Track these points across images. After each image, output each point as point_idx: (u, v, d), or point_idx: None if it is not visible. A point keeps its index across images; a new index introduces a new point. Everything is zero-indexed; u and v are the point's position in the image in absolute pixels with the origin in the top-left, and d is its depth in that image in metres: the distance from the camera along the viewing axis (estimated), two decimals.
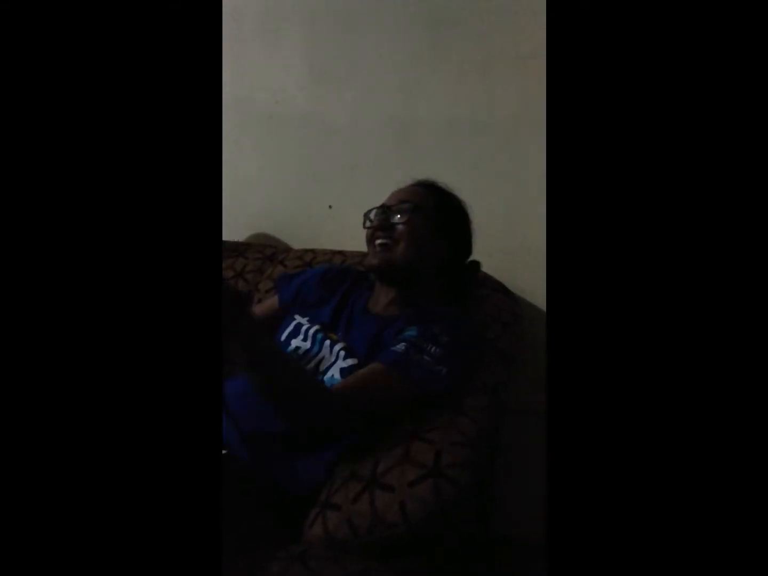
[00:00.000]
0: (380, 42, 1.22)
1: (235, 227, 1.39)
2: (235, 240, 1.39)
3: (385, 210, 0.94)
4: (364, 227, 0.96)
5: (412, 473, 0.70)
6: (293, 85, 1.31)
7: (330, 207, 1.33)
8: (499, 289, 1.11)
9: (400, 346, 0.81)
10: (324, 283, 1.02)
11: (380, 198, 1.26)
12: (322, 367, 0.87)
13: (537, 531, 0.71)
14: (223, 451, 0.80)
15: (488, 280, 1.12)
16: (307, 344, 0.92)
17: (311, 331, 0.93)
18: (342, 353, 0.87)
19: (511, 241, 1.19)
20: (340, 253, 1.23)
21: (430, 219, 0.93)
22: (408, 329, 0.85)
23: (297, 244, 1.33)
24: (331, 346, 0.89)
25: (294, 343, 0.93)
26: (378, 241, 0.92)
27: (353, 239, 1.25)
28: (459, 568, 0.83)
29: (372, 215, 0.97)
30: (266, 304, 1.09)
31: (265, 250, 1.32)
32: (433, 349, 0.82)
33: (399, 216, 0.92)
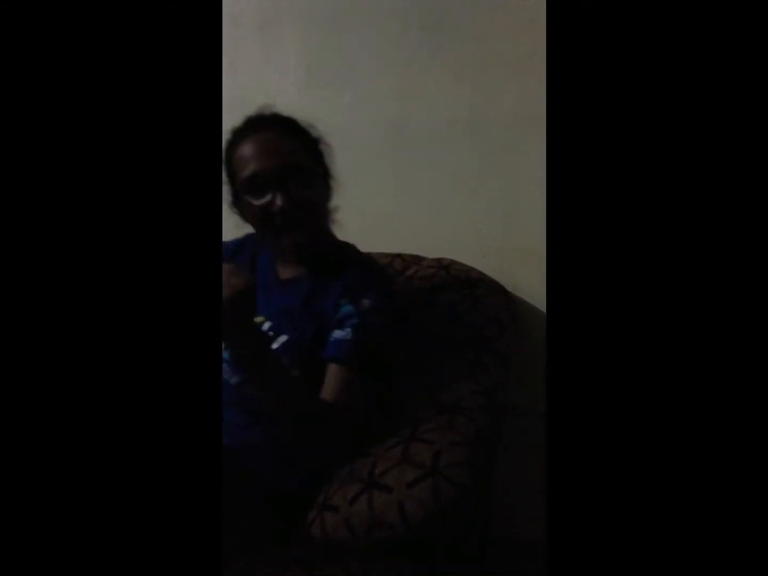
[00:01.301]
0: (377, 44, 1.22)
1: (233, 229, 1.39)
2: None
3: (273, 182, 0.82)
4: (257, 203, 0.83)
5: (411, 474, 0.70)
6: (290, 87, 1.31)
7: None
8: (497, 289, 1.11)
9: (347, 333, 0.81)
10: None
11: (378, 199, 1.27)
12: None
13: (537, 531, 0.71)
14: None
15: (486, 280, 1.12)
16: None
17: None
18: (270, 333, 0.85)
19: (510, 242, 1.18)
20: None
21: (316, 174, 0.88)
22: (343, 306, 0.83)
23: None
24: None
25: None
26: (293, 237, 0.84)
27: (351, 240, 1.25)
28: (458, 569, 0.82)
29: (258, 189, 0.83)
30: None
31: None
32: (377, 321, 0.82)
33: (295, 187, 0.83)
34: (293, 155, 0.85)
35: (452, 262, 1.14)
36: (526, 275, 1.17)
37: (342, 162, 1.31)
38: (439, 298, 1.07)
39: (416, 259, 1.18)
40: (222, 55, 0.50)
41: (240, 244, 1.01)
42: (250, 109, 1.35)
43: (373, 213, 1.28)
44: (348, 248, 0.96)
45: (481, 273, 1.13)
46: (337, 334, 0.82)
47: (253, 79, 1.33)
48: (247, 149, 0.85)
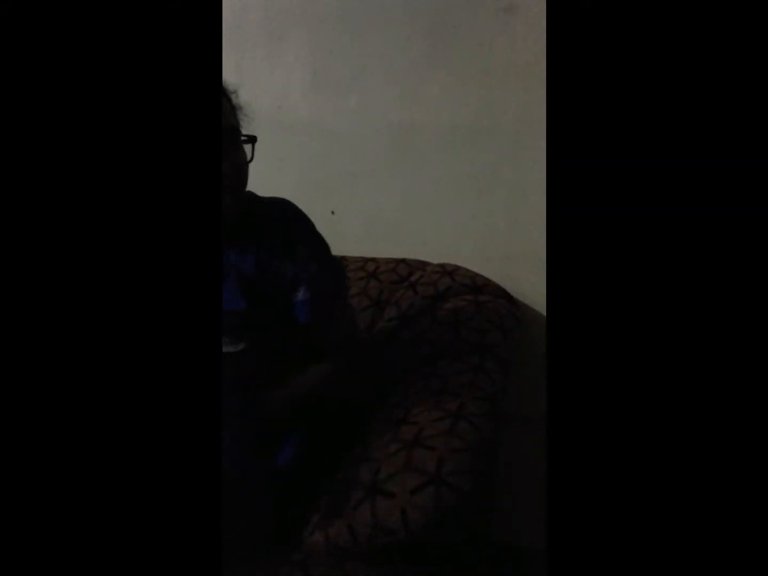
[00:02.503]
0: (382, 50, 1.23)
1: None
2: None
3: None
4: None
5: (414, 480, 0.70)
6: (296, 92, 1.32)
7: (333, 213, 1.33)
8: (501, 295, 1.11)
9: (304, 294, 0.83)
10: None
11: (382, 204, 1.27)
12: None
13: (537, 538, 0.71)
14: None
15: (490, 286, 1.12)
16: None
17: None
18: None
19: (513, 247, 1.19)
20: (342, 258, 1.23)
21: (243, 137, 0.85)
22: (282, 266, 0.83)
23: None
24: None
25: None
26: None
27: (355, 244, 1.25)
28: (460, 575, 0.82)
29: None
30: None
31: None
32: (318, 272, 0.85)
33: (226, 149, 0.80)
34: (225, 116, 0.83)
35: (456, 268, 1.14)
36: (530, 281, 1.17)
37: (346, 166, 1.32)
38: (443, 303, 1.07)
39: (421, 265, 1.18)
40: (222, 57, 0.50)
41: None
42: (256, 114, 1.36)
43: (377, 218, 1.28)
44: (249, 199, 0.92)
45: (485, 279, 1.13)
46: (291, 297, 0.83)
47: (259, 83, 1.34)
48: None
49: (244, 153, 0.85)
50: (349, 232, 1.29)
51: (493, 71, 1.15)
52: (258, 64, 1.34)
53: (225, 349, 0.80)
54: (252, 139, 0.86)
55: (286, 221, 0.87)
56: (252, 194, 0.93)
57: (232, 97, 0.88)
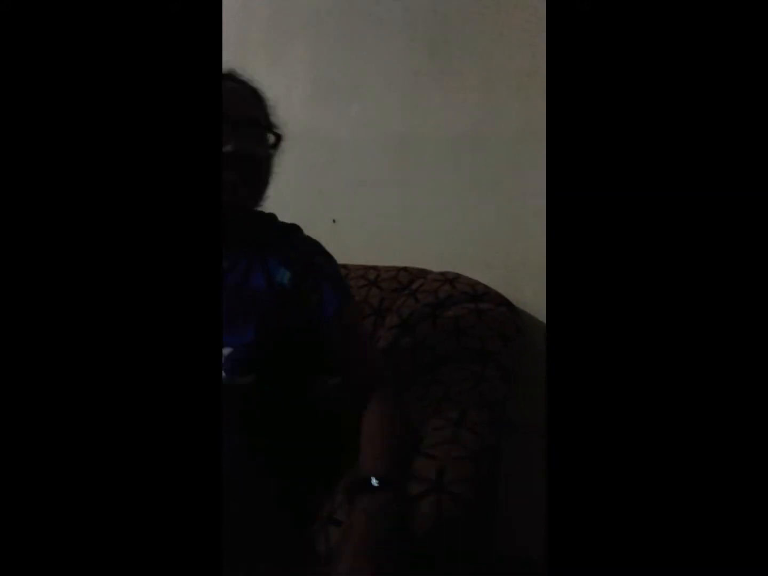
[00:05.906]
0: (383, 59, 1.23)
1: None
2: None
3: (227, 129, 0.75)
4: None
5: (415, 489, 0.70)
6: (297, 101, 1.32)
7: (334, 221, 1.34)
8: (502, 303, 1.11)
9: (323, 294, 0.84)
10: None
11: (383, 212, 1.28)
12: None
13: (538, 547, 0.71)
14: None
15: (491, 293, 1.12)
16: None
17: None
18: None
19: (513, 256, 1.19)
20: (344, 267, 1.23)
21: (268, 133, 0.85)
22: (279, 272, 0.84)
23: None
24: None
25: None
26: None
27: (357, 253, 1.25)
28: None
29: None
30: None
31: None
32: (327, 270, 0.88)
33: (247, 139, 0.78)
34: (251, 108, 0.85)
35: (457, 276, 1.15)
36: (530, 289, 1.18)
37: (347, 175, 1.32)
38: (444, 311, 1.07)
39: (422, 273, 1.18)
40: (222, 64, 0.50)
41: None
42: None
43: (378, 226, 1.29)
44: (273, 220, 0.95)
45: (486, 286, 1.13)
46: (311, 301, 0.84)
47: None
48: None
49: (266, 149, 0.86)
50: (351, 240, 1.29)
51: (494, 80, 1.16)
52: (258, 74, 1.34)
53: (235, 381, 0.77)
54: (274, 135, 0.87)
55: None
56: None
57: (264, 94, 0.90)
